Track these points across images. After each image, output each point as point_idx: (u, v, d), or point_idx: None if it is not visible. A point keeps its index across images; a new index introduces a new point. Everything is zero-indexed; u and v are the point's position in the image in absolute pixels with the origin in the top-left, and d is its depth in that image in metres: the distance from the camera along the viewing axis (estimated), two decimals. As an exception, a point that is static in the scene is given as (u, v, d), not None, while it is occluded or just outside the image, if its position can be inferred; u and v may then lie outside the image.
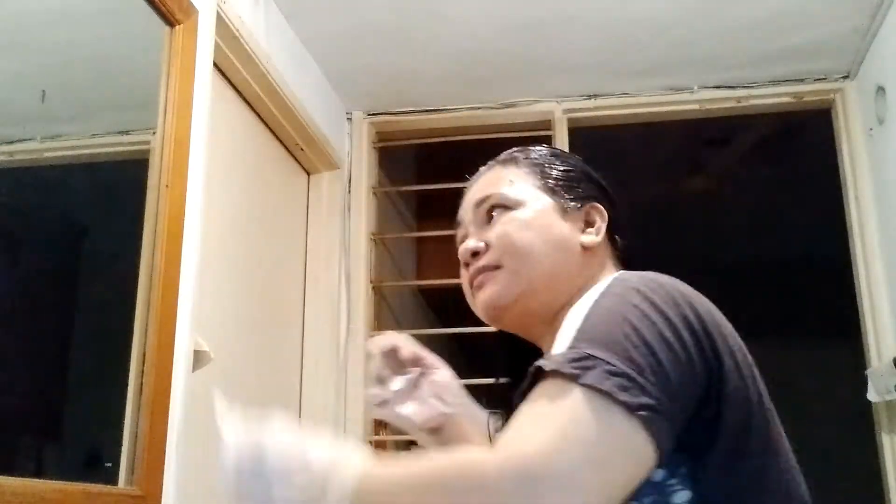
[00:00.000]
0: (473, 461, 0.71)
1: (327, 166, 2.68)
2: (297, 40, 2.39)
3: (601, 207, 1.02)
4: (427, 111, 2.79)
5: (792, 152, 3.25)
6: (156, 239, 1.61)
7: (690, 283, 0.83)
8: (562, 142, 2.67)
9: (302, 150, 2.53)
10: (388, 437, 2.78)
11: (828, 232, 2.70)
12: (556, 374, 0.73)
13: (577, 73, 2.59)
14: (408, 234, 3.25)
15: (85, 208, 1.58)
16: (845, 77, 2.59)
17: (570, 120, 2.72)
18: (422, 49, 2.45)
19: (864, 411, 2.47)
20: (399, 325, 3.03)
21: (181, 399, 1.63)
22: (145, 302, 1.58)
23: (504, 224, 0.98)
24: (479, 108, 2.76)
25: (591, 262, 0.98)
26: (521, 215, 0.99)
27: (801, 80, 2.61)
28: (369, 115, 2.82)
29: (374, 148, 2.87)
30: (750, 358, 0.81)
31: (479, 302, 0.99)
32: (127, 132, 1.70)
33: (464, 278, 1.03)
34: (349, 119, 2.81)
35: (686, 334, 0.76)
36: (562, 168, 1.05)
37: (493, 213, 1.01)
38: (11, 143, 1.40)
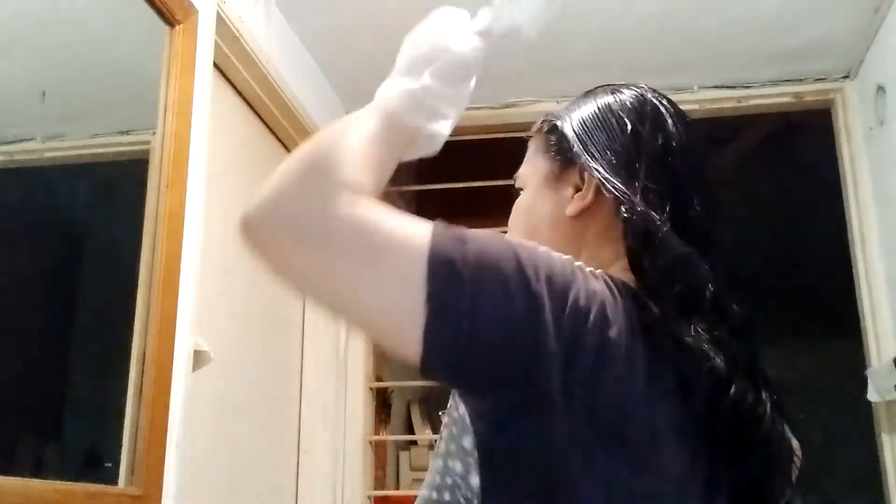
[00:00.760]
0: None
1: (327, 166, 2.67)
2: (297, 40, 2.39)
3: (593, 166, 0.84)
4: (427, 111, 2.78)
5: (792, 152, 3.25)
6: (156, 239, 1.61)
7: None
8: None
9: (302, 150, 2.53)
10: (387, 437, 2.79)
11: (828, 232, 2.70)
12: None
13: (577, 73, 2.59)
14: (408, 234, 3.25)
15: (85, 208, 1.58)
16: (845, 77, 2.59)
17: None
18: (422, 49, 2.45)
19: (865, 411, 2.46)
20: (399, 325, 3.03)
21: (181, 399, 1.63)
22: (145, 302, 1.58)
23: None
24: (479, 108, 2.76)
25: (581, 234, 0.86)
26: (519, 201, 0.94)
27: (801, 80, 2.61)
28: (369, 115, 2.81)
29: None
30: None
31: None
32: (127, 132, 1.70)
33: None
34: (349, 119, 2.81)
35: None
36: (576, 116, 0.90)
37: None
38: (11, 143, 1.41)
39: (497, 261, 0.67)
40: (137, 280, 1.59)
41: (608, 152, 0.85)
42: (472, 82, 0.90)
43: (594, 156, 0.85)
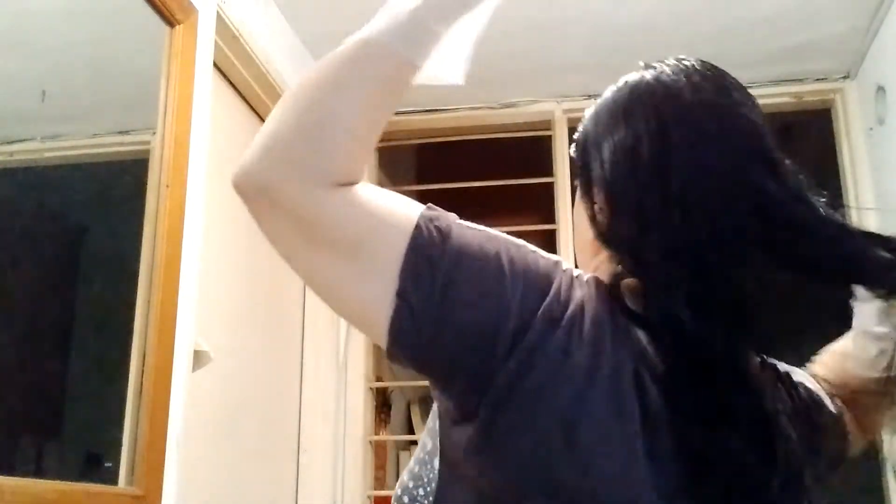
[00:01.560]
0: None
1: (327, 166, 2.67)
2: (297, 40, 2.39)
3: (595, 191, 0.76)
4: (427, 111, 2.79)
5: (792, 152, 3.25)
6: (156, 239, 1.61)
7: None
8: (562, 142, 2.67)
9: (302, 150, 2.53)
10: (387, 437, 2.79)
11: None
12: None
13: (577, 73, 2.59)
14: (408, 234, 3.25)
15: (85, 208, 1.58)
16: (845, 77, 2.59)
17: (570, 120, 2.72)
18: (422, 49, 2.45)
19: (864, 411, 2.46)
20: (399, 325, 3.03)
21: (181, 399, 1.63)
22: (145, 302, 1.58)
23: None
24: (479, 108, 2.76)
25: (600, 254, 0.78)
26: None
27: (801, 80, 2.61)
28: (369, 115, 2.81)
29: (374, 148, 2.86)
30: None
31: None
32: (127, 132, 1.70)
33: None
34: (349, 119, 2.81)
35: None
36: (585, 125, 0.83)
37: None
38: (11, 143, 1.41)
39: (477, 261, 0.67)
40: (137, 280, 1.59)
41: (606, 164, 0.76)
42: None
43: (594, 175, 0.77)
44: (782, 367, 0.82)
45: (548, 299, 0.67)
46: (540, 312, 0.66)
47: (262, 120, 2.34)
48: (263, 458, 2.27)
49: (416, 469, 0.77)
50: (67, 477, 1.40)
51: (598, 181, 0.76)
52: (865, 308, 0.83)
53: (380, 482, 2.68)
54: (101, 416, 1.58)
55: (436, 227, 0.68)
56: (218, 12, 1.88)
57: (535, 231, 2.65)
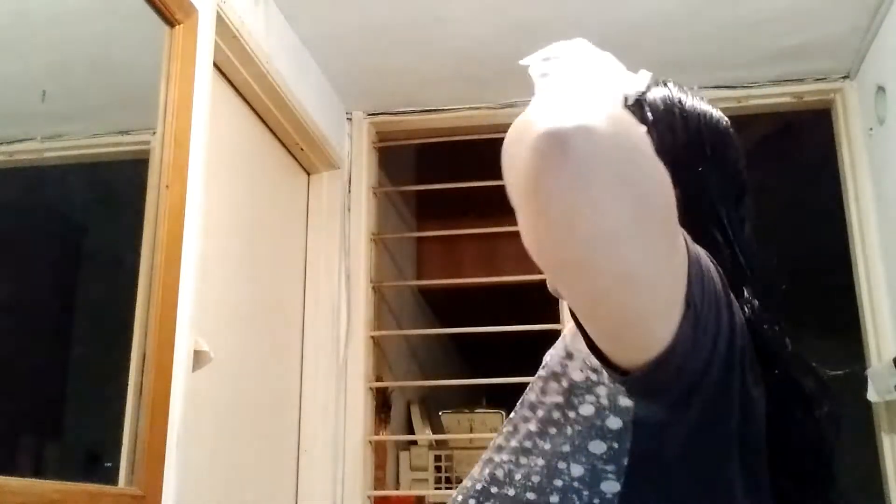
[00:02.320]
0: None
1: (327, 166, 2.68)
2: (297, 40, 2.39)
3: None
4: (427, 111, 2.79)
5: (792, 152, 3.25)
6: (156, 239, 1.61)
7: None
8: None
9: (302, 150, 2.53)
10: (387, 437, 2.79)
11: (828, 232, 2.70)
12: None
13: (577, 73, 2.59)
14: (408, 234, 3.25)
15: (85, 208, 1.58)
16: (845, 77, 2.59)
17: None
18: (422, 49, 2.45)
19: (865, 411, 2.46)
20: (399, 325, 3.03)
21: (181, 399, 1.63)
22: (145, 302, 1.58)
23: None
24: (479, 108, 2.76)
25: None
26: None
27: (801, 80, 2.61)
28: (369, 115, 2.82)
29: (374, 148, 2.87)
30: None
31: None
32: (127, 132, 1.70)
33: None
34: (349, 119, 2.81)
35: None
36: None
37: None
38: (11, 143, 1.40)
39: (715, 287, 0.67)
40: (137, 280, 1.59)
41: None
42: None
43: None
44: None
45: (738, 319, 0.71)
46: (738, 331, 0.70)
47: (263, 120, 2.35)
48: (263, 458, 2.27)
49: (553, 499, 0.71)
50: (67, 477, 1.40)
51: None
52: None
53: (380, 482, 2.68)
54: (101, 416, 1.58)
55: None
56: (218, 12, 1.88)
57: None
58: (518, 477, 0.72)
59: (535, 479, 0.71)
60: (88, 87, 1.59)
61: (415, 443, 2.96)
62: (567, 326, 0.84)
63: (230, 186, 2.13)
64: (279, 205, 2.49)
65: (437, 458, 2.88)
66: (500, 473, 0.76)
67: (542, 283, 0.84)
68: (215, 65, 1.93)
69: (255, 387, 2.22)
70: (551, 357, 0.84)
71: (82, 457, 1.56)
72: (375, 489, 2.63)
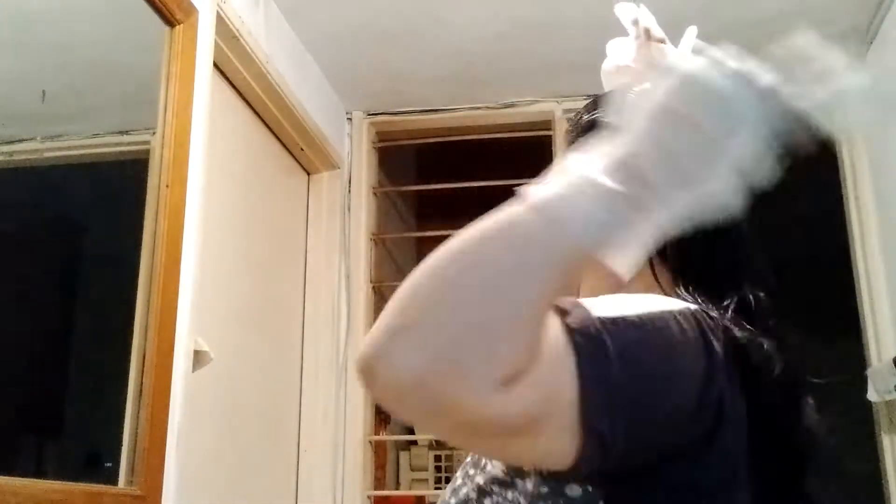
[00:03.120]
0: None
1: (327, 166, 2.68)
2: (297, 40, 2.39)
3: None
4: (427, 111, 2.79)
5: (791, 152, 3.25)
6: (156, 239, 1.61)
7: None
8: (562, 142, 2.67)
9: (302, 150, 2.53)
10: (387, 437, 2.79)
11: (828, 232, 2.70)
12: None
13: (577, 73, 2.59)
14: (408, 234, 3.26)
15: (85, 208, 1.58)
16: (845, 77, 2.58)
17: (570, 120, 2.72)
18: (422, 49, 2.45)
19: (865, 411, 2.46)
20: (399, 325, 3.02)
21: (181, 399, 1.63)
22: (145, 302, 1.58)
23: None
24: (479, 108, 2.76)
25: None
26: None
27: (801, 80, 2.61)
28: (369, 115, 2.82)
29: (374, 148, 2.87)
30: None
31: None
32: (127, 132, 1.70)
33: None
34: (349, 119, 2.81)
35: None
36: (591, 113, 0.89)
37: None
38: (11, 143, 1.41)
39: (651, 390, 0.61)
40: (137, 280, 1.59)
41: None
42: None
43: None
44: None
45: (710, 392, 0.64)
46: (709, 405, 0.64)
47: (263, 120, 2.35)
48: (263, 458, 2.27)
49: None
50: (67, 477, 1.40)
51: None
52: None
53: (380, 482, 2.68)
54: (101, 416, 1.58)
55: (596, 354, 0.59)
56: (218, 12, 1.88)
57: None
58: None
59: None
60: (88, 87, 1.59)
61: (415, 443, 2.96)
62: None
63: (230, 186, 2.13)
64: (279, 205, 2.49)
65: (437, 458, 2.88)
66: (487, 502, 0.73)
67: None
68: (215, 65, 1.93)
69: (255, 387, 2.22)
70: None
71: (82, 457, 1.56)
72: (375, 489, 2.63)
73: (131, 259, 1.60)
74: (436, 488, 2.80)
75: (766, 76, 0.56)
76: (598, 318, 0.60)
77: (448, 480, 3.00)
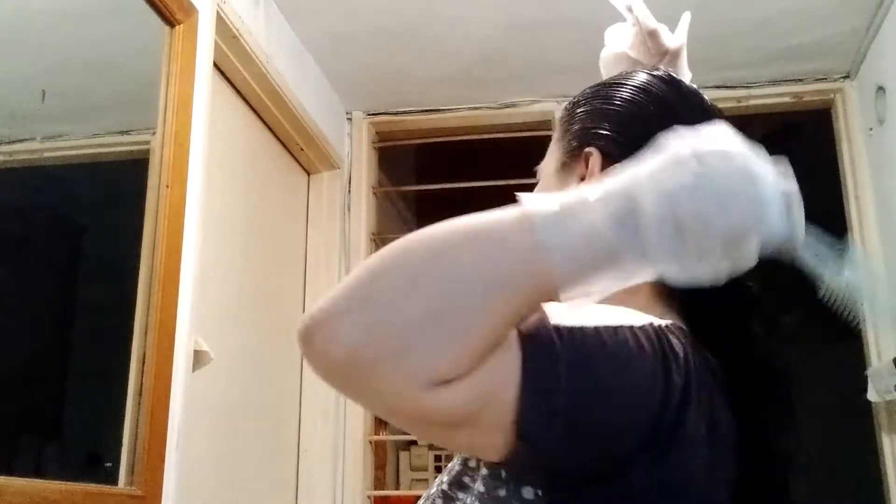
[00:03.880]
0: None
1: (327, 166, 2.68)
2: (297, 40, 2.39)
3: (595, 149, 0.79)
4: (427, 111, 2.79)
5: (792, 152, 3.25)
6: (156, 239, 1.61)
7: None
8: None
9: (302, 150, 2.53)
10: (387, 437, 2.79)
11: (828, 232, 2.70)
12: None
13: (577, 73, 2.58)
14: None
15: (85, 208, 1.58)
16: (845, 77, 2.59)
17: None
18: (422, 49, 2.45)
19: (865, 411, 2.47)
20: (399, 325, 3.02)
21: (181, 399, 1.63)
22: (145, 302, 1.58)
23: None
24: (479, 108, 2.76)
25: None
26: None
27: (801, 80, 2.61)
28: (369, 115, 2.82)
29: (374, 148, 2.87)
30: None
31: None
32: (127, 132, 1.70)
33: None
34: (349, 119, 2.81)
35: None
36: (590, 97, 0.86)
37: None
38: (11, 143, 1.41)
39: (595, 403, 0.60)
40: (137, 280, 1.59)
41: (617, 133, 0.79)
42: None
43: (599, 136, 0.79)
44: None
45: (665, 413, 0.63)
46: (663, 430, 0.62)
47: (263, 120, 2.35)
48: (263, 458, 2.27)
49: None
50: (67, 477, 1.40)
51: None
52: None
53: (380, 482, 2.68)
54: (101, 416, 1.58)
55: (542, 357, 0.58)
56: (218, 12, 1.88)
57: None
58: None
59: None
60: (88, 87, 1.59)
61: (415, 443, 2.96)
62: None
63: (230, 186, 2.13)
64: (279, 205, 2.49)
65: (437, 458, 2.88)
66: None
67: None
68: (215, 65, 1.93)
69: (255, 387, 2.22)
70: None
71: (82, 457, 1.56)
72: (375, 489, 2.63)
73: (131, 259, 1.60)
74: (436, 488, 2.79)
75: (785, 181, 0.60)
76: (555, 327, 0.59)
77: (448, 480, 2.93)
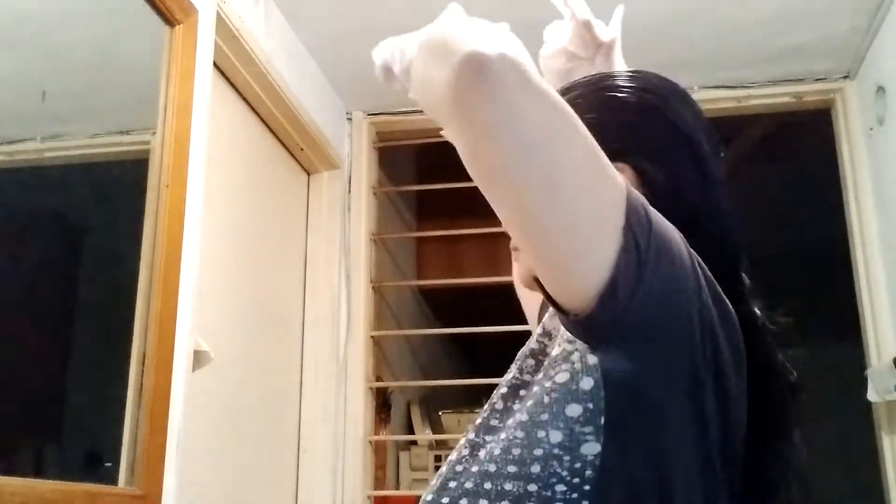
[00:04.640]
0: None
1: (327, 166, 2.68)
2: (297, 40, 2.39)
3: (630, 167, 0.83)
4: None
5: (792, 152, 3.25)
6: (156, 239, 1.61)
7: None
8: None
9: (302, 150, 2.53)
10: (387, 437, 2.79)
11: (828, 232, 2.70)
12: None
13: (577, 73, 2.59)
14: (408, 234, 3.25)
15: (85, 208, 1.58)
16: (845, 77, 2.59)
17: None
18: (422, 49, 2.45)
19: (865, 411, 2.46)
20: (399, 325, 3.03)
21: (181, 399, 1.63)
22: (145, 302, 1.58)
23: None
24: (479, 108, 2.76)
25: None
26: None
27: (801, 80, 2.61)
28: (369, 115, 2.82)
29: (374, 148, 2.87)
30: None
31: None
32: (127, 132, 1.70)
33: None
34: (349, 119, 2.81)
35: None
36: (607, 104, 0.89)
37: None
38: (11, 143, 1.41)
39: (668, 235, 0.70)
40: (137, 280, 1.59)
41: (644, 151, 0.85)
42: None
43: (625, 154, 0.84)
44: None
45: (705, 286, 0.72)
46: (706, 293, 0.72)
47: (263, 120, 2.35)
48: (263, 458, 2.27)
49: (534, 469, 0.70)
50: (67, 477, 1.40)
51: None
52: None
53: (380, 482, 2.68)
54: (101, 416, 1.58)
55: (642, 207, 0.70)
56: (218, 12, 1.88)
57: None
58: (498, 452, 0.72)
59: (516, 451, 0.70)
60: (88, 87, 1.59)
61: (415, 443, 2.96)
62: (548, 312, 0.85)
63: (230, 186, 2.13)
64: (279, 205, 2.49)
65: (437, 459, 2.88)
66: (481, 453, 0.75)
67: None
68: (215, 65, 1.93)
69: (255, 387, 2.22)
70: (531, 340, 0.86)
71: (82, 457, 1.56)
72: (375, 489, 2.63)
73: (131, 259, 1.60)
74: (436, 488, 2.79)
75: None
76: (650, 213, 0.69)
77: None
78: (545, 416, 0.70)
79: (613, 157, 0.79)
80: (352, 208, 2.76)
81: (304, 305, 2.59)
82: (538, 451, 0.69)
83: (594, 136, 0.80)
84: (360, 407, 2.60)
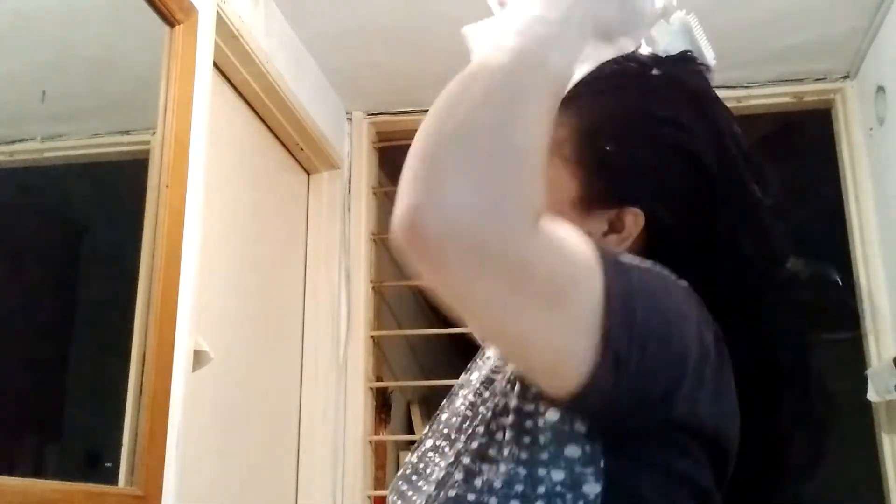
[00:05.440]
0: None
1: (327, 166, 2.68)
2: (297, 40, 2.39)
3: (641, 211, 0.77)
4: (427, 111, 2.77)
5: (792, 152, 3.25)
6: (156, 239, 1.61)
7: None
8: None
9: (302, 150, 2.53)
10: (387, 437, 2.79)
11: (828, 232, 2.70)
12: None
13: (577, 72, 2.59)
14: (408, 234, 3.25)
15: (85, 208, 1.58)
16: (845, 77, 2.59)
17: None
18: (422, 49, 2.45)
19: (865, 411, 2.46)
20: (399, 325, 3.03)
21: (181, 399, 1.63)
22: (145, 302, 1.58)
23: None
24: (479, 108, 2.76)
25: (587, 219, 0.79)
26: None
27: (801, 80, 2.61)
28: (369, 115, 2.82)
29: (374, 148, 2.87)
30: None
31: None
32: (127, 132, 1.70)
33: None
34: (349, 119, 2.81)
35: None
36: (610, 119, 0.83)
37: None
38: (11, 143, 1.41)
39: (662, 322, 0.66)
40: (137, 280, 1.59)
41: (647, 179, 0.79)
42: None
43: (641, 198, 0.78)
44: None
45: (708, 350, 0.70)
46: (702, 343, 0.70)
47: (263, 120, 2.35)
48: (263, 457, 2.27)
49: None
50: (67, 477, 1.40)
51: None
52: None
53: (380, 482, 2.68)
54: (101, 416, 1.58)
55: (620, 272, 0.64)
56: (218, 12, 1.88)
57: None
58: (499, 486, 0.70)
59: (519, 487, 0.70)
60: (88, 87, 1.59)
61: (415, 443, 2.96)
62: None
63: (230, 186, 2.13)
64: (279, 204, 2.49)
65: (437, 458, 2.88)
66: (477, 482, 0.72)
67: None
68: (215, 65, 1.93)
69: (255, 387, 2.22)
70: (490, 358, 0.85)
71: (82, 457, 1.56)
72: (375, 489, 2.63)
73: (131, 259, 1.60)
74: (436, 488, 2.79)
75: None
76: (620, 254, 0.67)
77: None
78: (545, 456, 0.70)
79: (628, 203, 0.77)
80: (352, 208, 2.76)
81: (304, 305, 2.59)
82: (541, 489, 0.69)
83: (606, 175, 0.79)
84: (360, 407, 2.60)
